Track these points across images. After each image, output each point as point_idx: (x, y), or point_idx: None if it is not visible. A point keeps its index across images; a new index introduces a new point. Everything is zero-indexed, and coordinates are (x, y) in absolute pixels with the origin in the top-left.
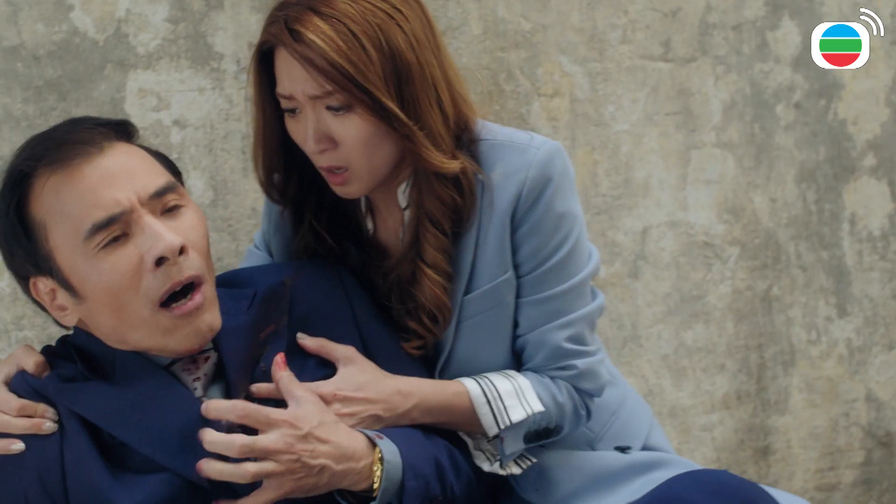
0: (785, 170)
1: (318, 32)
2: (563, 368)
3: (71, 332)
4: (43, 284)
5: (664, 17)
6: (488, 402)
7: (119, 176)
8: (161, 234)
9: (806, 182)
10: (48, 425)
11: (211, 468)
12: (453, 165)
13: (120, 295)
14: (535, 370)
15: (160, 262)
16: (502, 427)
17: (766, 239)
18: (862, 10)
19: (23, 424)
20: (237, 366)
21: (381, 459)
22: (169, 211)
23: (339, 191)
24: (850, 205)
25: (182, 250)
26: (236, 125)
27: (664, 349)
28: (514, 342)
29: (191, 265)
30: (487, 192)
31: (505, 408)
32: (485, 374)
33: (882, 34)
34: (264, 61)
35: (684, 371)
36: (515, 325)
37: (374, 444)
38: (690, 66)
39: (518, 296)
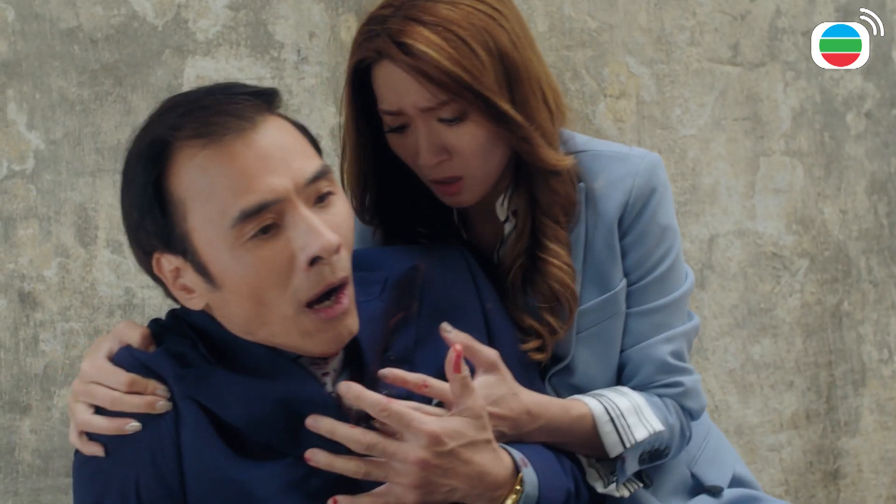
0: (855, 181)
1: (427, 43)
2: (669, 386)
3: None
4: (168, 262)
5: (733, 20)
6: (612, 420)
7: (274, 157)
8: (318, 231)
9: (877, 194)
10: (161, 403)
11: (319, 458)
12: (567, 161)
13: (266, 291)
14: (640, 387)
15: (314, 261)
16: (627, 446)
17: (837, 252)
18: (862, 10)
19: (135, 402)
20: (374, 356)
21: (520, 490)
22: (321, 200)
23: (451, 201)
24: None
25: (336, 249)
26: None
27: (731, 363)
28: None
29: (343, 266)
30: (591, 201)
31: (629, 426)
32: (600, 392)
33: (882, 34)
34: (359, 82)
35: (751, 387)
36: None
37: (517, 471)
38: (759, 70)
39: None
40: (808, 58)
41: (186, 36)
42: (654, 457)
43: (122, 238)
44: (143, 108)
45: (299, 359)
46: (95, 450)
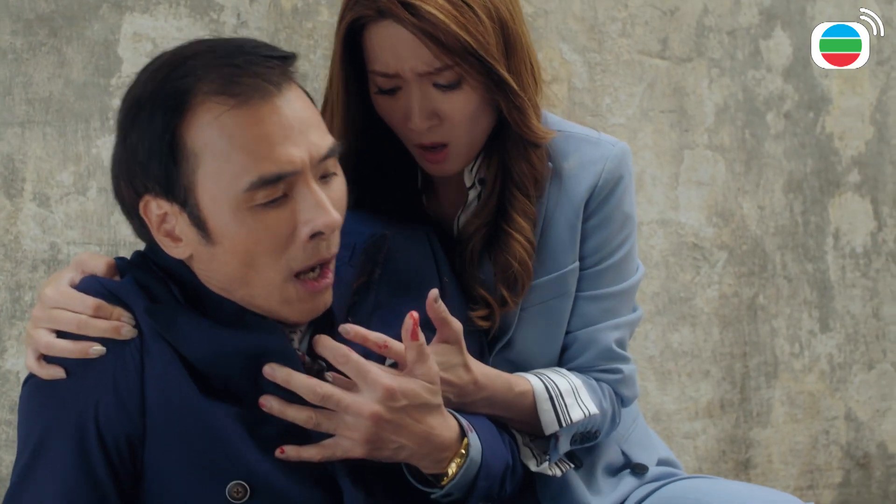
0: (773, 178)
1: (435, 6)
2: (609, 371)
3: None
4: (158, 206)
5: (663, 14)
6: (551, 399)
7: (294, 129)
8: (326, 207)
9: (793, 192)
10: (127, 329)
11: (272, 405)
12: (551, 135)
13: (260, 256)
14: (580, 369)
15: (314, 236)
16: (563, 426)
17: (754, 246)
18: (862, 10)
19: (101, 326)
20: (341, 320)
21: (465, 454)
22: (324, 178)
23: (435, 168)
24: (834, 219)
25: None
26: None
27: (650, 350)
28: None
29: (336, 242)
30: (557, 180)
31: (566, 406)
32: (541, 371)
33: (882, 34)
34: (350, 42)
35: (669, 375)
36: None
37: (463, 436)
38: (686, 66)
39: (576, 290)
40: (733, 56)
41: None
42: (586, 439)
43: (50, 191)
44: (77, 61)
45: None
46: (56, 372)
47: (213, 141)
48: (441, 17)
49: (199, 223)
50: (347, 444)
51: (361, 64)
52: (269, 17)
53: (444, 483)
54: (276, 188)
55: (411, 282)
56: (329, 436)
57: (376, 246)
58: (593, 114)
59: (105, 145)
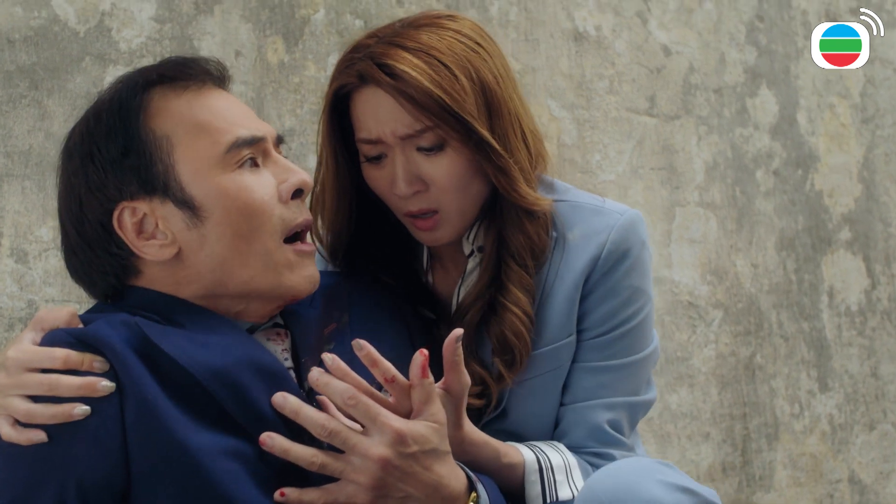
0: (765, 236)
1: (410, 65)
2: (601, 456)
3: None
4: (132, 213)
5: (649, 72)
6: (540, 471)
7: (248, 110)
8: (296, 167)
9: (786, 250)
10: (104, 384)
11: (275, 443)
12: (545, 202)
13: (254, 217)
14: (571, 449)
15: (295, 195)
16: (548, 502)
17: (749, 304)
18: (862, 10)
19: (75, 384)
20: (310, 351)
21: None
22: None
23: (427, 237)
24: (828, 277)
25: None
26: None
27: (649, 412)
28: None
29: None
30: (560, 251)
31: (555, 482)
32: (535, 444)
33: (882, 34)
34: (337, 111)
35: (669, 437)
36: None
37: (471, 489)
38: (674, 123)
39: (574, 360)
40: (720, 114)
41: (109, 44)
42: None
43: (28, 247)
44: (58, 114)
45: (253, 333)
46: (36, 436)
47: (181, 118)
48: (415, 75)
49: (185, 202)
50: (352, 489)
51: (351, 138)
52: (255, 72)
53: None
54: (253, 150)
55: (382, 324)
56: (331, 480)
57: (335, 292)
58: (583, 171)
59: None
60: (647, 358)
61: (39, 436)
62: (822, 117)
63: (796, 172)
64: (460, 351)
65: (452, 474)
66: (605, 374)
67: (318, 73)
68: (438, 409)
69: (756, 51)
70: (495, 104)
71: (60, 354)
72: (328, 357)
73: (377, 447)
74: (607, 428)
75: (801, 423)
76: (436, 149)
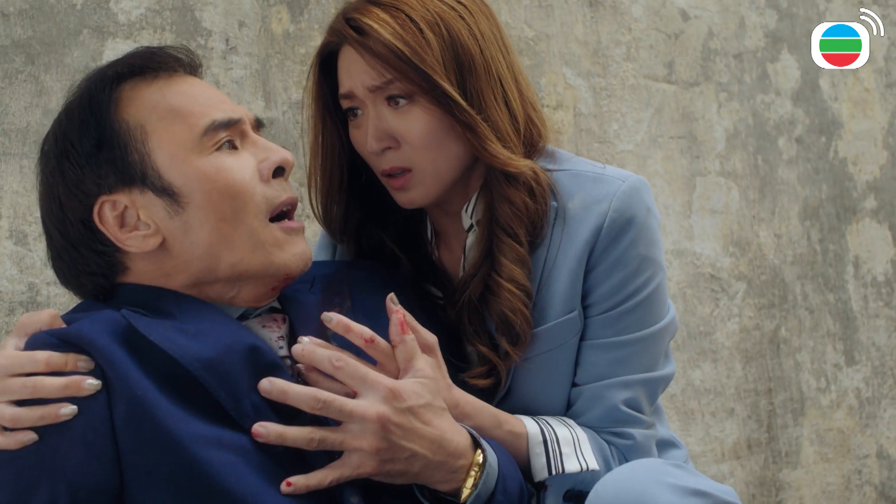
0: (788, 205)
1: (377, 20)
2: (620, 435)
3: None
4: (112, 206)
5: (667, 38)
6: (545, 443)
7: (221, 95)
8: (275, 146)
9: (810, 220)
10: (89, 382)
11: (269, 431)
12: (522, 164)
13: (235, 198)
14: (588, 427)
15: (276, 173)
16: (553, 473)
17: (773, 276)
18: (862, 10)
19: (58, 385)
20: (311, 333)
21: (482, 464)
22: None
23: (402, 197)
24: (853, 247)
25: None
26: None
27: (671, 388)
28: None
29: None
30: (562, 222)
31: (561, 453)
32: (542, 417)
33: (882, 34)
34: (325, 72)
35: (692, 414)
36: (574, 371)
37: (476, 446)
38: (694, 90)
39: (584, 337)
40: (740, 80)
41: (107, 16)
42: (580, 499)
43: (27, 229)
44: (56, 90)
45: (246, 320)
46: (25, 437)
47: (154, 106)
48: (378, 28)
49: (164, 189)
50: (356, 458)
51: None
52: (260, 43)
53: (463, 495)
54: (230, 132)
55: (380, 310)
56: (332, 461)
57: (335, 280)
58: (601, 140)
59: None
60: (663, 330)
61: (29, 436)
62: (846, 82)
63: (819, 139)
64: (406, 313)
65: (454, 428)
66: (617, 351)
67: None
68: (425, 365)
69: (777, 14)
70: (468, 60)
71: (42, 357)
72: (304, 339)
73: (373, 406)
74: (623, 407)
75: (827, 398)
76: (404, 99)
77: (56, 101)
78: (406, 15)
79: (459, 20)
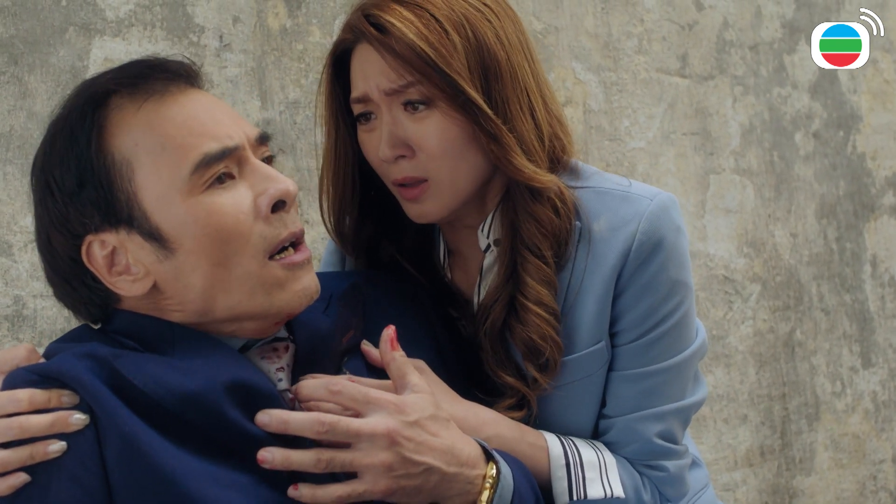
0: (805, 203)
1: (399, 18)
2: (654, 468)
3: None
4: (101, 246)
5: (681, 29)
6: (567, 465)
7: (221, 110)
8: (276, 176)
9: (826, 218)
10: (77, 417)
11: (275, 456)
12: (547, 178)
13: (229, 242)
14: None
15: (276, 207)
16: (575, 499)
17: (788, 277)
18: (862, 10)
19: (44, 422)
20: (318, 365)
21: (496, 477)
22: (266, 161)
23: (414, 210)
24: (871, 245)
25: (295, 196)
26: None
27: None
28: (597, 420)
29: (297, 217)
30: (585, 243)
31: (584, 479)
32: (570, 437)
33: (882, 34)
34: (337, 73)
35: (705, 421)
36: (602, 403)
37: (488, 457)
38: (708, 84)
39: (612, 367)
40: (756, 73)
41: (94, 13)
42: None
43: (12, 239)
44: (41, 92)
45: (246, 351)
46: (16, 480)
47: (141, 138)
48: (401, 27)
49: (152, 234)
50: (369, 478)
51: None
52: (255, 39)
53: None
54: (224, 164)
55: (403, 326)
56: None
57: (352, 297)
58: (611, 138)
59: None
60: (693, 356)
61: (21, 478)
62: (865, 74)
63: (837, 134)
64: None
65: (463, 439)
66: (648, 380)
67: (324, 39)
68: (419, 379)
69: (794, 3)
70: (494, 66)
71: (24, 395)
72: (300, 382)
73: (381, 421)
74: (658, 440)
75: (842, 402)
76: (423, 105)
77: (41, 103)
78: (430, 14)
79: (486, 23)
